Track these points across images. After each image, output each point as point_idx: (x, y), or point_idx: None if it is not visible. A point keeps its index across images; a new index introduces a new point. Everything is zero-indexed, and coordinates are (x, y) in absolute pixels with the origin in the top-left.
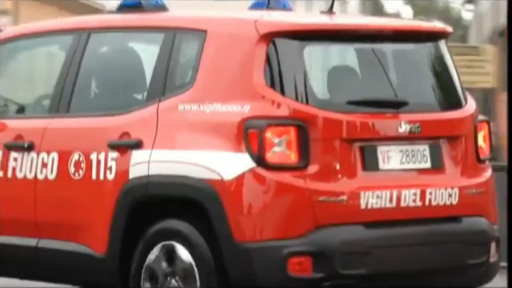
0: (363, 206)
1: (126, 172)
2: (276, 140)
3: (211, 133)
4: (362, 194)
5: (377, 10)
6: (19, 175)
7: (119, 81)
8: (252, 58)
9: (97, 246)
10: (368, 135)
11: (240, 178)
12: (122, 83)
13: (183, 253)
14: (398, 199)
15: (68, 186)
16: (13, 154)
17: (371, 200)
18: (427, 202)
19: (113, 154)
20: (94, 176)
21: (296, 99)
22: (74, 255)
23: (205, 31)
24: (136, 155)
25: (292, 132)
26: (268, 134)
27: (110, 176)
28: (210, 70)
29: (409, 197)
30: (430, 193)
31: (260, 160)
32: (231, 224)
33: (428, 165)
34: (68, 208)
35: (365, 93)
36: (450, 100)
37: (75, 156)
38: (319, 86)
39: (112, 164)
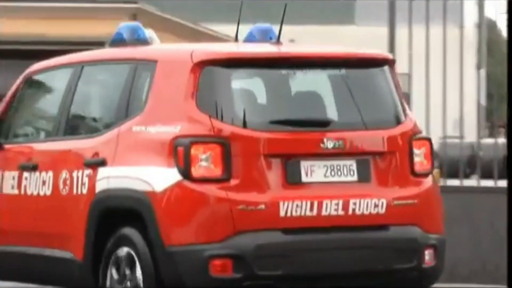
0: (282, 214)
1: (94, 187)
2: (202, 156)
3: (152, 150)
4: (281, 203)
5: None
6: (28, 192)
7: (96, 108)
8: (186, 83)
9: (77, 253)
10: (289, 151)
11: (169, 190)
12: (98, 109)
13: (134, 259)
14: (319, 208)
15: (58, 201)
16: (25, 174)
17: (291, 209)
18: (350, 212)
19: (87, 172)
20: (74, 191)
21: (221, 119)
22: (63, 261)
23: (156, 61)
24: (101, 172)
25: (215, 148)
26: (193, 151)
27: (84, 191)
28: (157, 94)
29: (331, 207)
30: (354, 204)
31: (186, 173)
32: (161, 230)
33: (354, 178)
34: (58, 219)
35: (289, 113)
36: (383, 119)
37: (63, 174)
38: (244, 108)
39: (86, 180)
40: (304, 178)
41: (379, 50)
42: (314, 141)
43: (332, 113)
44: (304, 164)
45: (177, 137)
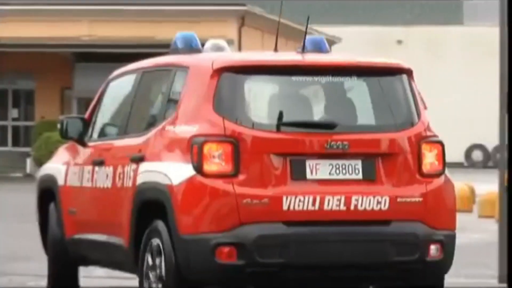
0: (285, 208)
1: (136, 180)
2: (214, 153)
3: (175, 148)
4: (284, 198)
5: None
6: (97, 184)
7: (147, 110)
8: (207, 87)
9: (125, 241)
10: (294, 151)
11: (184, 183)
12: (147, 111)
13: (160, 246)
14: (322, 203)
15: (114, 192)
16: (96, 168)
17: (293, 203)
18: (352, 207)
19: (133, 166)
20: (124, 184)
21: (233, 120)
22: (118, 247)
23: (188, 67)
24: (141, 167)
25: (226, 147)
26: (206, 148)
27: (130, 184)
28: (186, 97)
29: (333, 202)
30: (357, 200)
31: (199, 169)
32: (176, 220)
33: (359, 176)
34: (115, 209)
35: (296, 116)
36: (393, 123)
37: (118, 169)
38: (254, 110)
39: (131, 174)
40: (309, 175)
41: (397, 60)
42: (319, 142)
43: (340, 117)
44: (310, 163)
45: (193, 136)
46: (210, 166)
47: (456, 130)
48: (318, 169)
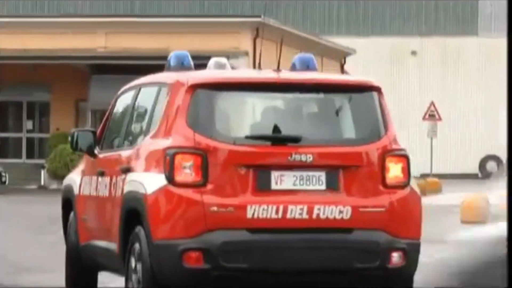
0: (249, 216)
1: (123, 190)
2: (184, 164)
3: (152, 159)
4: (248, 207)
5: None
6: (99, 193)
7: (138, 123)
8: (181, 103)
9: (116, 246)
10: (260, 162)
11: (156, 192)
12: (139, 125)
13: (140, 251)
14: (285, 212)
15: (110, 200)
16: (99, 179)
17: (257, 211)
18: (314, 216)
19: (122, 177)
20: (117, 193)
21: (203, 134)
22: (113, 253)
23: (168, 84)
24: (127, 177)
25: (195, 158)
26: (177, 160)
27: (119, 193)
28: (166, 112)
29: (296, 211)
30: (319, 209)
31: (170, 179)
32: (150, 226)
33: (322, 187)
34: (110, 216)
35: (262, 130)
36: (358, 137)
37: (113, 179)
38: (222, 124)
39: (120, 184)
40: (273, 186)
41: (368, 77)
42: (283, 155)
43: (306, 131)
44: (275, 174)
45: (166, 148)
46: (181, 176)
47: (471, 141)
48: (283, 180)
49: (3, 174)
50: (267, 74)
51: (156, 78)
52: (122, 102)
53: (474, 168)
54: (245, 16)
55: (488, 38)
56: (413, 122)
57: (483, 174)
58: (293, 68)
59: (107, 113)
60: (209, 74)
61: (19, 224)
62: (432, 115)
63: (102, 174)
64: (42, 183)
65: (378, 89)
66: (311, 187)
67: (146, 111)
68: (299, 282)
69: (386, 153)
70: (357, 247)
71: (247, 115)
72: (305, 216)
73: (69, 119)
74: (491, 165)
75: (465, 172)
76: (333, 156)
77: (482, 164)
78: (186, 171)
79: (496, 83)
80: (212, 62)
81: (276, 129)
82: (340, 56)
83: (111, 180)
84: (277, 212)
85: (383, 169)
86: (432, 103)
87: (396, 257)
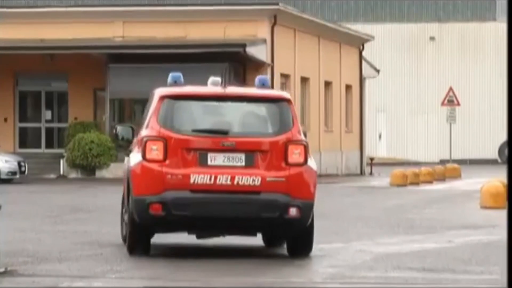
0: (193, 182)
1: (129, 164)
2: (153, 147)
3: (138, 144)
4: (191, 175)
5: None
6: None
7: (143, 120)
8: (155, 107)
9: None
10: (201, 147)
11: (135, 165)
12: (144, 122)
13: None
14: (215, 180)
15: (125, 174)
16: (127, 158)
17: (197, 179)
18: (235, 183)
19: (128, 157)
20: (126, 167)
21: (166, 128)
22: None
23: (154, 95)
24: (129, 156)
25: (159, 144)
26: (148, 144)
27: (125, 167)
28: (150, 113)
29: (223, 180)
30: (239, 178)
31: (143, 157)
32: (132, 187)
33: (242, 164)
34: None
35: (203, 126)
36: (270, 131)
37: (126, 159)
38: (178, 121)
39: (127, 160)
40: (209, 162)
41: (282, 91)
42: (216, 142)
43: (232, 127)
44: (210, 155)
45: (143, 136)
46: (150, 155)
47: (490, 126)
48: (216, 158)
49: (23, 164)
50: (211, 89)
51: (154, 91)
52: (146, 106)
53: (493, 154)
54: (263, 4)
55: (506, 22)
56: (432, 108)
57: (502, 159)
58: (255, 84)
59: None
60: (174, 89)
61: (39, 213)
62: (450, 101)
63: (128, 155)
64: (62, 172)
65: (288, 100)
66: (234, 164)
67: (146, 113)
68: (224, 225)
69: (289, 142)
70: (263, 203)
71: (194, 116)
72: (229, 182)
73: (87, 109)
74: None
75: (484, 158)
76: (250, 144)
77: (502, 149)
78: (154, 152)
79: None
80: (210, 80)
81: (214, 125)
82: (358, 43)
83: (128, 159)
84: (210, 179)
85: (286, 152)
86: (451, 89)
87: (292, 211)
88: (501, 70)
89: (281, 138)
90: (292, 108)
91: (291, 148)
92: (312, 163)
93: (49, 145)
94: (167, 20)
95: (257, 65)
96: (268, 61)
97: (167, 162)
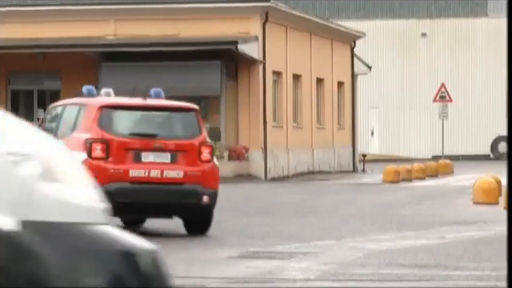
0: (131, 175)
1: None
2: (97, 147)
3: (78, 144)
4: (130, 170)
5: None
6: None
7: (67, 125)
8: (94, 115)
9: None
10: (136, 147)
11: (82, 163)
12: (68, 126)
13: None
14: (149, 173)
15: None
16: None
17: (135, 173)
18: (164, 176)
19: None
20: None
21: (106, 131)
22: None
23: (86, 105)
24: None
25: (102, 145)
26: (92, 145)
27: None
28: (85, 120)
29: (154, 173)
30: (166, 172)
31: (89, 155)
32: None
33: (168, 161)
34: None
35: (137, 130)
36: (187, 135)
37: None
38: (117, 127)
39: None
40: (143, 160)
41: (190, 103)
42: (148, 144)
43: (161, 131)
44: (143, 154)
45: (87, 139)
46: (95, 154)
47: (482, 122)
48: (148, 156)
49: None
50: (136, 100)
51: (75, 101)
52: (53, 113)
53: (486, 149)
54: (254, 1)
55: (498, 18)
56: (424, 105)
57: (495, 155)
58: (150, 96)
59: (40, 119)
60: (109, 99)
61: None
62: (443, 97)
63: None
64: None
65: (196, 110)
66: (162, 161)
67: (72, 118)
68: (154, 209)
69: (201, 144)
70: (185, 192)
71: (130, 122)
72: (159, 175)
73: None
74: (502, 146)
75: (477, 153)
76: (174, 145)
77: (494, 145)
78: (98, 152)
79: (506, 63)
80: (102, 91)
81: (144, 130)
82: (350, 40)
83: None
84: (144, 173)
85: (199, 152)
86: (443, 85)
87: (205, 198)
88: (494, 66)
89: (196, 140)
90: (199, 116)
91: (203, 148)
92: (215, 160)
93: None
94: (159, 18)
95: (249, 62)
96: (260, 58)
97: (109, 159)
